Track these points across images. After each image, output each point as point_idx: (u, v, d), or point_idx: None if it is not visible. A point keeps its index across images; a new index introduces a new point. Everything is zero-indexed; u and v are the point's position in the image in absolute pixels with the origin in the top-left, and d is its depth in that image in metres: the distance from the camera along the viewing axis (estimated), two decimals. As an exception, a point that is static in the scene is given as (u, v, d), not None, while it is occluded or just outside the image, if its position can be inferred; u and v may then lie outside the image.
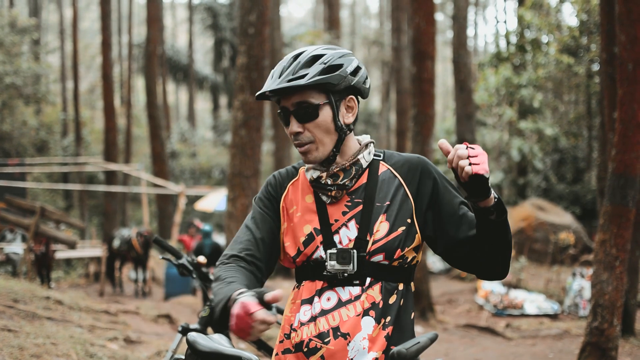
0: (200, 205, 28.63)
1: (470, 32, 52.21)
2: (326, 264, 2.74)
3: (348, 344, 2.67)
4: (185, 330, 5.11)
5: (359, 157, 2.87)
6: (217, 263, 2.84)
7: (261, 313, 2.34)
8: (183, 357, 4.72)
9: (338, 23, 37.75)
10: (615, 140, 8.87)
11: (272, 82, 2.77)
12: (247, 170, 12.73)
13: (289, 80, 2.73)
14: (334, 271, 2.73)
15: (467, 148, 2.53)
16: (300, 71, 2.75)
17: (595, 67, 30.00)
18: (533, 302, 18.36)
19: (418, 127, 15.94)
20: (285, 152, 28.27)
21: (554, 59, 30.96)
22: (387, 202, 2.82)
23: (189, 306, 17.40)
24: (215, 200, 27.51)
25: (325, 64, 2.77)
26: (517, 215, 27.17)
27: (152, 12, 31.41)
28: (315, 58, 2.78)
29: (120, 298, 19.02)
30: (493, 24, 65.56)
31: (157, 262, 23.34)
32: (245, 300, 2.39)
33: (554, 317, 17.50)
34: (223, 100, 52.16)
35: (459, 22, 27.85)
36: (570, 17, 43.64)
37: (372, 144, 2.96)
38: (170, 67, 48.05)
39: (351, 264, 2.72)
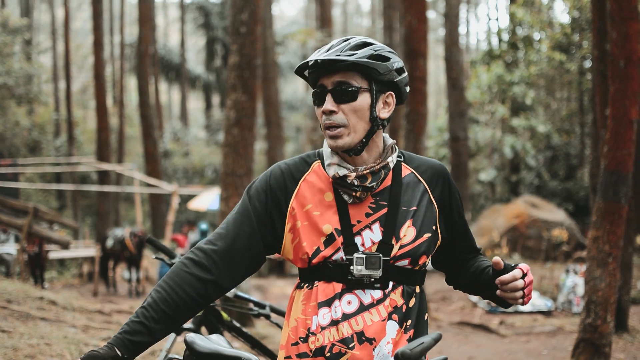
0: (193, 205, 28.61)
1: (462, 29, 52.34)
2: (352, 268, 2.68)
3: (374, 349, 2.65)
4: (179, 330, 5.10)
5: (388, 159, 2.82)
6: (183, 256, 2.78)
7: None
8: (177, 356, 4.70)
9: (330, 21, 37.69)
10: (607, 137, 8.88)
11: (318, 55, 2.74)
12: (240, 169, 12.71)
13: (337, 55, 2.70)
14: (359, 276, 2.68)
15: (523, 277, 2.70)
16: (350, 51, 2.72)
17: (587, 64, 30.08)
18: (526, 299, 18.37)
19: (410, 125, 15.94)
20: (277, 151, 28.31)
21: (546, 56, 31.05)
22: (414, 207, 2.79)
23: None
24: (208, 199, 27.50)
25: (375, 51, 2.75)
26: (510, 213, 27.20)
27: (143, 12, 31.37)
28: (366, 44, 2.77)
29: (114, 298, 19.01)
30: (485, 22, 65.78)
31: (150, 261, 23.32)
32: None
33: (547, 314, 17.53)
34: (215, 99, 52.16)
35: (451, 19, 27.86)
36: (561, 14, 43.76)
37: (396, 146, 2.91)
38: (162, 67, 47.98)
39: (379, 270, 2.67)
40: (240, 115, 12.85)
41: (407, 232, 2.73)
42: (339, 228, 2.73)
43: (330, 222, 2.74)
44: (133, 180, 30.22)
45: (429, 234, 2.77)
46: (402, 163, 2.90)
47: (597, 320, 8.83)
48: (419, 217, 2.77)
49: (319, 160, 2.89)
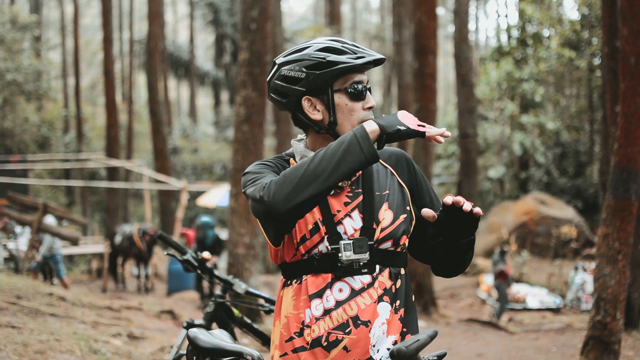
0: (202, 201, 28.63)
1: (471, 26, 52.25)
2: (340, 255, 2.73)
3: (369, 331, 2.70)
4: (190, 326, 5.11)
5: None
6: (262, 183, 2.75)
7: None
8: (187, 352, 4.71)
9: (339, 18, 37.73)
10: (617, 134, 8.86)
11: (373, 54, 2.87)
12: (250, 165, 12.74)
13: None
14: (348, 262, 2.74)
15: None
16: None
17: (597, 60, 30.04)
18: (535, 296, 18.39)
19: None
20: (286, 147, 28.25)
21: (556, 53, 31.00)
22: (387, 191, 2.89)
23: (192, 302, 17.42)
24: (217, 195, 27.51)
25: None
26: (519, 209, 27.20)
27: (153, 8, 31.38)
28: None
29: (123, 294, 19.04)
30: (494, 18, 65.56)
31: (159, 257, 23.34)
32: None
33: (556, 311, 17.53)
34: (224, 95, 52.11)
35: (461, 16, 27.82)
36: (571, 10, 43.71)
37: None
38: (171, 63, 47.98)
39: (367, 253, 2.74)
40: (250, 111, 12.86)
41: (385, 215, 2.84)
42: (321, 219, 2.80)
43: (312, 213, 2.80)
44: (142, 177, 30.28)
45: (405, 215, 2.88)
46: None
47: (607, 317, 8.81)
48: (394, 200, 2.89)
49: (292, 159, 3.02)
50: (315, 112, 2.90)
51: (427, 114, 15.98)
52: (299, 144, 2.99)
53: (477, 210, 2.65)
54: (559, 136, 33.62)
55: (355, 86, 2.85)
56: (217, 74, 49.26)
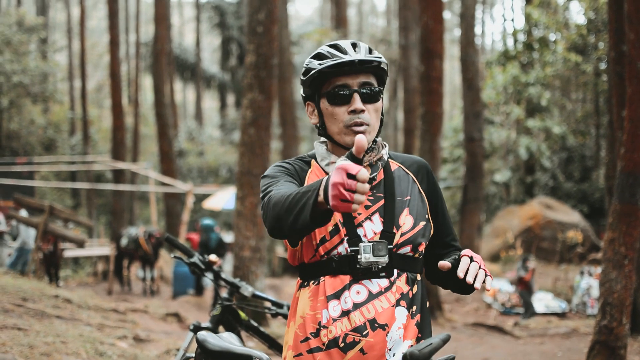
0: (208, 204, 28.63)
1: (477, 30, 52.18)
2: (359, 257, 2.75)
3: (387, 335, 2.72)
4: (196, 329, 5.12)
5: (382, 153, 2.95)
6: (268, 195, 2.72)
7: (363, 172, 2.18)
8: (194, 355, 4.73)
9: (345, 21, 37.77)
10: (624, 139, 8.85)
11: (354, 55, 2.85)
12: (256, 168, 12.72)
13: (367, 57, 2.87)
14: (367, 264, 2.75)
15: (471, 260, 2.75)
16: (372, 53, 2.91)
17: (603, 65, 29.97)
18: (541, 301, 18.36)
19: (426, 126, 15.97)
20: (292, 150, 28.28)
21: (562, 57, 30.97)
22: (408, 197, 2.93)
23: (197, 304, 17.43)
24: (223, 198, 27.51)
25: (381, 56, 2.92)
26: (525, 214, 27.17)
27: (159, 11, 31.39)
28: (371, 49, 2.92)
29: (129, 297, 19.05)
30: (500, 22, 65.64)
31: (165, 260, 23.36)
32: (344, 163, 2.22)
33: (562, 315, 17.51)
34: (230, 98, 52.18)
35: (467, 20, 27.80)
36: (578, 15, 43.57)
37: (384, 142, 3.04)
38: (177, 66, 48.03)
39: (386, 256, 2.76)
40: (257, 114, 12.87)
41: (406, 220, 2.87)
42: (342, 220, 2.82)
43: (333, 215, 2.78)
44: (148, 179, 30.27)
45: (424, 222, 2.92)
46: (389, 159, 3.04)
47: (613, 322, 8.80)
48: (414, 206, 2.92)
49: (314, 161, 3.04)
50: (312, 116, 3.00)
51: (433, 117, 16.00)
52: (320, 146, 3.02)
53: (477, 285, 2.68)
54: (565, 140, 33.57)
55: (334, 90, 2.87)
56: (223, 77, 49.34)
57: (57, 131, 39.37)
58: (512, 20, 57.79)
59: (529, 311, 17.26)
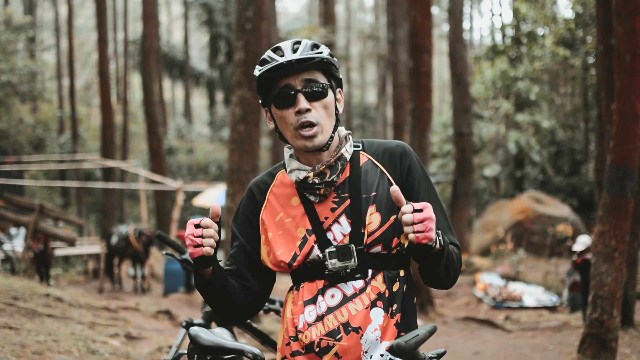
0: (198, 201, 28.60)
1: (466, 25, 52.15)
2: (326, 263, 2.71)
3: (361, 338, 2.67)
4: (189, 325, 5.12)
5: (342, 151, 2.85)
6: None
7: (206, 220, 2.59)
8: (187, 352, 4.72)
9: (333, 18, 37.66)
10: (613, 132, 8.89)
11: (289, 56, 2.76)
12: (246, 165, 12.71)
13: (306, 55, 2.77)
14: (335, 269, 2.71)
15: (413, 212, 2.47)
16: (314, 50, 2.81)
17: (592, 59, 30.07)
18: (532, 295, 18.42)
19: (416, 121, 15.99)
20: (281, 147, 28.25)
21: (550, 52, 31.08)
22: (373, 193, 2.81)
23: (188, 302, 17.42)
24: (213, 195, 27.47)
25: (328, 50, 2.83)
26: (515, 208, 27.24)
27: (147, 9, 31.31)
28: (316, 45, 2.83)
29: (120, 294, 19.02)
30: (489, 17, 65.74)
31: (156, 258, 23.32)
32: (190, 219, 2.62)
33: (552, 309, 17.55)
34: (219, 96, 52.14)
35: (455, 15, 27.85)
36: (565, 9, 43.77)
37: (350, 136, 2.96)
38: (166, 64, 47.95)
39: (352, 259, 2.69)
40: (246, 111, 12.86)
41: (372, 218, 2.75)
42: (310, 228, 2.80)
43: (301, 225, 2.82)
44: (138, 177, 30.26)
45: (395, 215, 2.76)
46: (361, 152, 2.94)
47: (604, 315, 8.84)
48: (382, 201, 2.78)
49: (283, 170, 2.98)
50: (270, 121, 2.94)
51: (422, 113, 16.02)
52: (287, 152, 2.97)
53: (413, 238, 2.46)
54: (554, 134, 33.67)
55: (279, 92, 2.81)
56: (211, 74, 49.31)
57: (46, 130, 39.25)
58: (500, 15, 57.91)
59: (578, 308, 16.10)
